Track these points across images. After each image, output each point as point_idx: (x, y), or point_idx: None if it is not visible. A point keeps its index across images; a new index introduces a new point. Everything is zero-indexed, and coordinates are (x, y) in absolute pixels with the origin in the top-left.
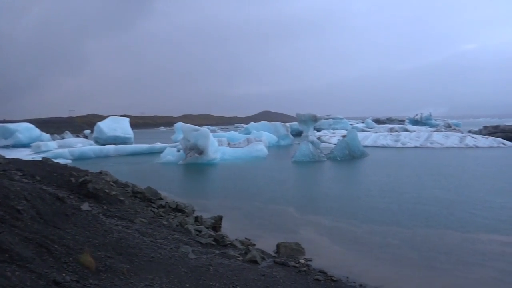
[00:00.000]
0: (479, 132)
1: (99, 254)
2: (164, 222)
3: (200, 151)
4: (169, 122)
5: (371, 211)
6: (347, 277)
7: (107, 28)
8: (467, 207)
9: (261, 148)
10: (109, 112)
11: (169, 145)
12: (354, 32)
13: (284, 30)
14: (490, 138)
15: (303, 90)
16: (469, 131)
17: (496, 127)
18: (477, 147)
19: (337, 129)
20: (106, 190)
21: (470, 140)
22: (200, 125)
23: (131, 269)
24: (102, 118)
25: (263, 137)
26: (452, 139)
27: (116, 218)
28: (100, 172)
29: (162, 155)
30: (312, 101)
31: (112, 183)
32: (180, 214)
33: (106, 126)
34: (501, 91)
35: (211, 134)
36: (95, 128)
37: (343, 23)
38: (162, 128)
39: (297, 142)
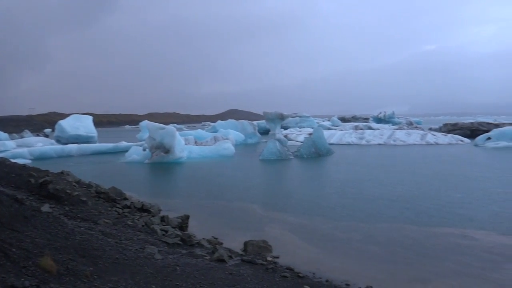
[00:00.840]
0: (439, 130)
1: (60, 257)
2: (129, 223)
3: (166, 150)
4: (134, 120)
5: (336, 208)
6: (314, 273)
7: (70, 23)
8: (427, 203)
9: (228, 147)
10: (72, 110)
11: (135, 144)
12: (321, 33)
13: (253, 29)
14: (449, 135)
15: (270, 88)
16: (430, 129)
17: (455, 124)
18: (437, 144)
19: (303, 127)
20: (68, 191)
21: (430, 137)
22: (167, 123)
23: (94, 272)
24: (64, 116)
25: (230, 135)
26: (413, 136)
27: (78, 220)
28: (62, 172)
29: (127, 154)
30: (280, 100)
31: (74, 184)
32: (146, 214)
33: (68, 125)
34: (459, 90)
35: (177, 133)
36: (57, 126)
37: (311, 24)
38: (127, 127)
39: (264, 140)
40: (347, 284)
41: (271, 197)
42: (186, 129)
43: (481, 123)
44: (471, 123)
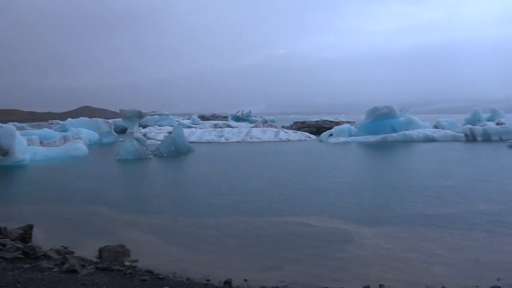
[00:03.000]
0: (290, 127)
1: None
2: None
3: (4, 152)
4: None
5: (195, 205)
6: (174, 273)
7: None
8: (277, 194)
9: (80, 147)
10: None
11: None
12: (181, 31)
13: (110, 22)
14: (299, 132)
15: (128, 85)
16: (283, 127)
17: (304, 122)
18: (289, 140)
19: (163, 126)
20: None
21: (283, 134)
22: (5, 121)
23: None
24: None
25: (82, 134)
26: (268, 134)
27: None
28: None
29: None
30: (138, 97)
31: None
32: None
33: None
34: (308, 91)
35: (18, 132)
36: None
37: (171, 21)
38: None
39: (121, 139)
40: (207, 280)
41: (127, 198)
42: (29, 127)
43: (325, 121)
44: (317, 121)
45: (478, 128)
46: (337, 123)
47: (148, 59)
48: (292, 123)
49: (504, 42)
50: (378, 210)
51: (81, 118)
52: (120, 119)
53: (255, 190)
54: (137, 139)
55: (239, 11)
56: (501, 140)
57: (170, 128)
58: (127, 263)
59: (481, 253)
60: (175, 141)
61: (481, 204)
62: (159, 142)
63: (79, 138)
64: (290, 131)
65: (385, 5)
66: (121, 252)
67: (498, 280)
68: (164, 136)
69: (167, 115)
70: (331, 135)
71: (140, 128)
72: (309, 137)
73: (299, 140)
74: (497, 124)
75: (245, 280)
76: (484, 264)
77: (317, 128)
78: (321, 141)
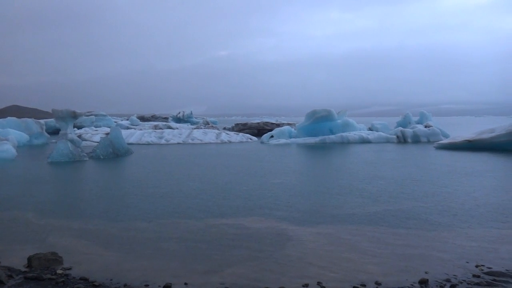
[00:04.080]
0: (232, 129)
1: None
2: None
3: None
4: None
5: (132, 208)
6: (111, 279)
7: None
8: (217, 196)
9: (7, 149)
10: None
11: None
12: (119, 29)
13: (43, 15)
14: (241, 134)
15: (61, 84)
16: (224, 128)
17: (245, 124)
18: (230, 142)
19: (100, 127)
20: None
21: (224, 136)
22: None
23: None
24: None
25: (10, 135)
26: (209, 135)
27: None
28: None
29: None
30: (72, 96)
31: None
32: None
33: None
34: (248, 93)
35: None
36: None
37: (109, 19)
38: None
39: (54, 141)
40: (146, 285)
41: (58, 203)
42: None
43: (266, 123)
44: (258, 123)
45: (408, 131)
46: (278, 125)
47: (85, 56)
48: (233, 124)
49: (431, 50)
50: (315, 210)
51: (9, 118)
52: (52, 120)
53: (194, 192)
54: (71, 141)
55: (181, 12)
56: (429, 141)
57: (107, 129)
58: (59, 271)
59: (409, 248)
60: (113, 143)
61: (409, 202)
62: (95, 144)
63: (7, 139)
64: (232, 133)
65: (324, 12)
66: (53, 260)
67: (426, 273)
68: (101, 137)
69: (104, 115)
70: (272, 136)
71: (75, 129)
72: (250, 138)
73: (241, 142)
74: (426, 126)
75: (185, 284)
76: (412, 259)
77: (259, 130)
78: (262, 142)
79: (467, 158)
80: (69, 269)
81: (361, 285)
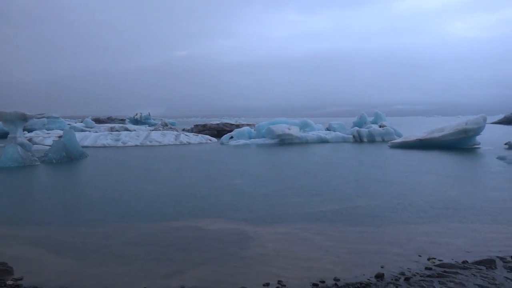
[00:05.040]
0: (191, 130)
1: None
2: None
3: None
4: None
5: (85, 214)
6: None
7: None
8: (174, 199)
9: None
10: None
11: None
12: (73, 28)
13: None
14: (200, 135)
15: (9, 84)
16: (183, 130)
17: (204, 125)
18: (190, 143)
19: (52, 130)
20: None
21: (184, 137)
22: None
23: None
24: None
25: None
26: (168, 137)
27: None
28: None
29: None
30: (22, 98)
31: None
32: None
33: None
34: (208, 94)
35: None
36: None
37: (62, 16)
38: None
39: (1, 145)
40: None
41: (7, 210)
42: None
43: (225, 124)
44: (218, 124)
45: (364, 130)
46: (238, 126)
47: (35, 56)
48: (193, 126)
49: (385, 53)
50: (274, 210)
51: None
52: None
53: (152, 195)
54: (21, 144)
55: (138, 11)
56: (383, 140)
57: (60, 132)
58: (9, 282)
59: (365, 244)
60: (66, 146)
61: (364, 200)
62: (48, 148)
63: None
64: (191, 134)
65: (282, 13)
66: (2, 270)
67: (382, 267)
68: (53, 140)
69: (57, 118)
70: (231, 137)
71: (25, 132)
72: (210, 139)
73: (200, 143)
74: (380, 126)
75: None
76: (368, 254)
77: (218, 131)
78: (222, 143)
79: (419, 156)
80: (21, 279)
81: (320, 282)
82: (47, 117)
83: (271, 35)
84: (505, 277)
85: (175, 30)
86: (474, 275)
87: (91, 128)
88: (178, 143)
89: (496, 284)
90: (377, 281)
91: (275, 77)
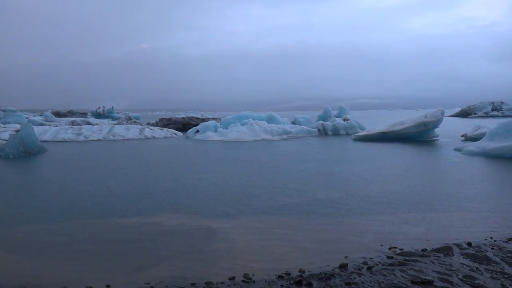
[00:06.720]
0: (156, 124)
1: None
2: None
3: None
4: None
5: (42, 210)
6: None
7: None
8: (137, 194)
9: None
10: None
11: None
12: (27, 19)
13: None
14: (165, 129)
15: None
16: (148, 123)
17: (170, 119)
18: (154, 137)
19: (9, 123)
20: None
21: (148, 131)
22: None
23: None
24: None
25: None
26: (132, 131)
27: None
28: None
29: None
30: None
31: None
32: None
33: None
34: (173, 87)
35: None
36: None
37: (15, 7)
38: None
39: None
40: None
41: None
42: None
43: (191, 118)
44: (183, 118)
45: (328, 124)
46: (203, 120)
47: None
48: (157, 120)
49: (348, 48)
50: (239, 204)
51: None
52: None
53: (113, 191)
54: None
55: (97, 2)
56: (347, 133)
57: (17, 126)
58: None
59: (329, 235)
60: (24, 141)
61: (327, 192)
62: (4, 142)
63: None
64: (156, 128)
65: (246, 7)
66: None
67: (345, 258)
68: (10, 134)
69: (14, 111)
70: (197, 131)
71: None
72: (175, 134)
73: (165, 137)
74: (344, 120)
75: (108, 286)
76: (332, 245)
77: (184, 125)
78: (187, 137)
79: (381, 149)
80: None
81: (285, 273)
82: (3, 110)
83: (235, 28)
84: (461, 263)
85: (137, 23)
86: (433, 262)
87: (51, 122)
88: (143, 138)
89: (453, 270)
90: (341, 271)
91: (240, 71)
